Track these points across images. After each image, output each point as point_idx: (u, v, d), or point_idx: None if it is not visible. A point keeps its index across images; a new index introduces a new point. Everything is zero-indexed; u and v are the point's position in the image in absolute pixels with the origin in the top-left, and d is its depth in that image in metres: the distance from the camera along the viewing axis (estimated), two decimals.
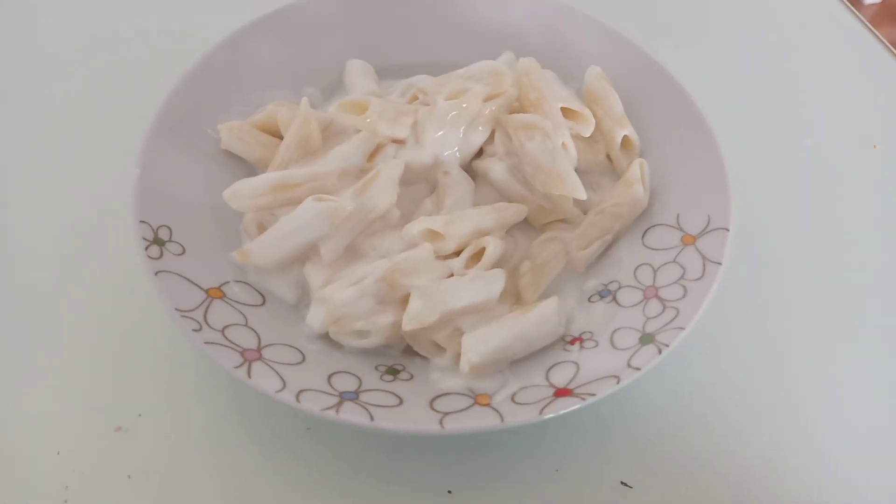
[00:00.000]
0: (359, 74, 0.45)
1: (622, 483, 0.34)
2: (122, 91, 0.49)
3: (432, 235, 0.36)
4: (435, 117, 0.39)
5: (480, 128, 0.41)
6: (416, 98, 0.42)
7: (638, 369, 0.31)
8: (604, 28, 0.46)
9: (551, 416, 0.30)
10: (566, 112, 0.42)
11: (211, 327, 0.32)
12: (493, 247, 0.36)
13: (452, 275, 0.35)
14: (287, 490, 0.34)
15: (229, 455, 0.35)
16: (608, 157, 0.42)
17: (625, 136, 0.41)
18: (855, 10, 0.63)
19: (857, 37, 0.60)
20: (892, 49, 0.59)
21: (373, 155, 0.39)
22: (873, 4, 2.82)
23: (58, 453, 0.34)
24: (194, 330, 0.32)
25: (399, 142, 0.40)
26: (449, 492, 0.34)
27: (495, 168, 0.40)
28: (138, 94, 0.42)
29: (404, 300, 0.34)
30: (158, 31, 0.53)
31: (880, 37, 0.60)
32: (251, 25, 0.43)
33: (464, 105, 0.39)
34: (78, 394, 0.36)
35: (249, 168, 0.41)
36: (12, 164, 0.45)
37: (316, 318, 0.35)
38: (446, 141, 0.39)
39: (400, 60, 0.47)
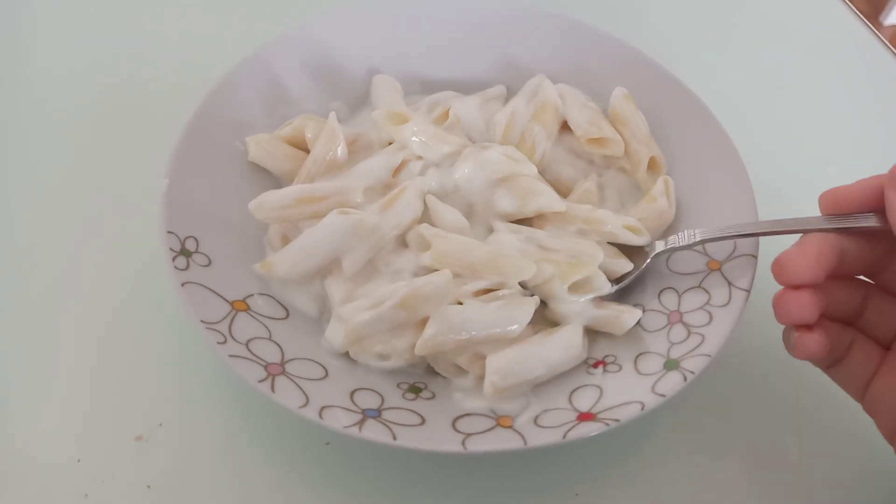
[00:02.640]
0: (385, 90, 0.45)
1: None
2: (152, 103, 0.49)
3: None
4: (481, 163, 0.39)
5: (508, 198, 0.39)
6: (446, 117, 0.42)
7: (663, 396, 0.31)
8: (629, 49, 0.46)
9: (575, 439, 0.30)
10: (595, 140, 0.42)
11: (235, 340, 0.32)
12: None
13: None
14: None
15: (249, 468, 0.35)
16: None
17: (651, 158, 0.41)
18: (880, 35, 0.63)
19: (883, 63, 0.60)
20: None
21: (397, 170, 0.39)
22: (892, 26, 2.80)
23: (78, 461, 0.34)
24: (219, 342, 0.32)
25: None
26: None
27: (508, 240, 0.38)
28: (168, 105, 0.42)
29: (424, 323, 0.34)
30: (188, 45, 0.53)
31: None
32: (280, 39, 0.44)
33: (507, 164, 0.39)
34: (99, 402, 0.36)
35: (275, 181, 0.41)
36: (40, 174, 0.46)
37: (336, 335, 0.35)
38: (475, 184, 0.39)
39: (426, 76, 0.47)
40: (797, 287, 0.30)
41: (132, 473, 0.34)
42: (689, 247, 0.37)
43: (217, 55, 0.44)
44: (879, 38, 0.63)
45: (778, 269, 0.30)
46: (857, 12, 0.65)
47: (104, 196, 0.44)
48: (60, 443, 0.35)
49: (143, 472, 0.34)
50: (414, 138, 0.38)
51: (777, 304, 0.31)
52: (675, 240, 0.37)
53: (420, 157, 0.40)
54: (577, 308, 0.35)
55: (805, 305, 0.30)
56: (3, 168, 0.46)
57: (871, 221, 0.31)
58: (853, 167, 0.51)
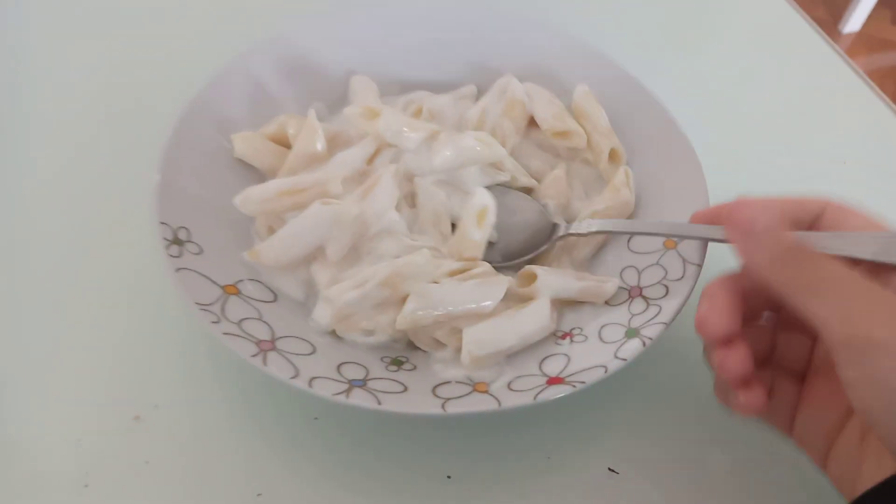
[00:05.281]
0: (362, 89, 0.48)
1: (609, 469, 0.37)
2: (142, 103, 0.51)
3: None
4: (459, 147, 0.41)
5: (476, 176, 0.43)
6: (420, 113, 0.45)
7: (624, 360, 0.34)
8: (591, 50, 0.49)
9: (545, 400, 0.32)
10: (560, 134, 0.45)
11: (228, 320, 0.35)
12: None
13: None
14: (294, 476, 0.36)
15: (240, 443, 0.37)
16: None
17: (612, 149, 0.45)
18: (829, 39, 0.67)
19: (831, 63, 0.64)
20: (859, 71, 0.63)
21: (371, 159, 0.42)
22: (851, 34, 2.88)
23: (78, 441, 0.36)
24: (213, 322, 0.34)
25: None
26: (448, 477, 0.36)
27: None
28: (158, 106, 0.44)
29: (405, 300, 0.37)
30: (176, 48, 0.56)
31: (851, 63, 0.64)
32: (263, 42, 0.46)
33: (482, 149, 0.42)
34: (99, 386, 0.38)
35: (261, 176, 0.44)
36: (45, 173, 0.48)
37: (323, 315, 0.37)
38: (454, 168, 0.42)
39: (401, 78, 0.50)
40: (726, 342, 0.30)
41: (131, 451, 0.36)
42: (585, 234, 0.41)
43: (205, 59, 0.46)
44: (831, 45, 0.66)
45: (702, 328, 0.31)
46: (813, 22, 0.68)
47: (101, 191, 0.47)
48: (62, 425, 0.37)
49: (141, 449, 0.36)
50: (388, 129, 0.41)
51: (721, 366, 0.30)
52: (576, 227, 0.41)
53: (393, 145, 0.42)
54: (560, 282, 0.38)
55: (744, 360, 0.30)
56: (10, 167, 0.48)
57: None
58: (803, 156, 0.55)
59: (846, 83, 0.62)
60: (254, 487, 0.35)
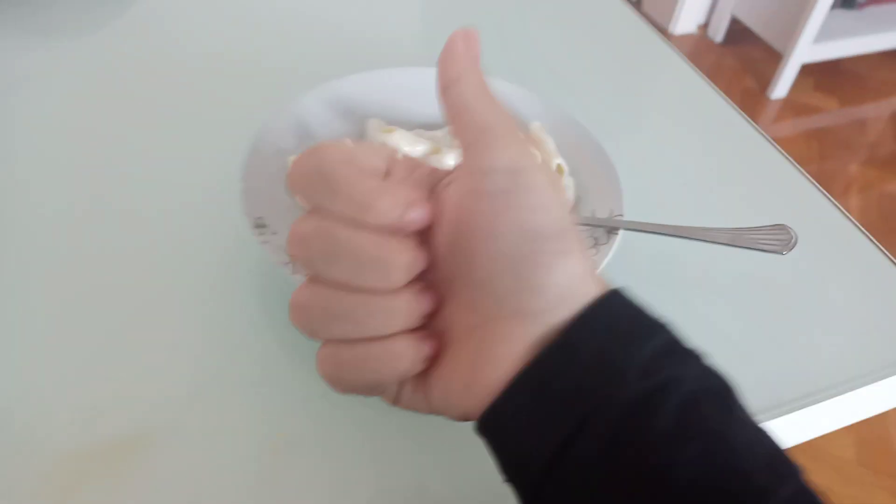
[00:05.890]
0: (376, 129, 0.66)
1: None
2: (221, 135, 0.69)
3: None
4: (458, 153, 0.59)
5: None
6: None
7: None
8: (542, 99, 0.68)
9: None
10: None
11: (301, 273, 0.51)
12: None
13: None
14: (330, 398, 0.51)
15: (303, 362, 0.52)
16: None
17: (558, 164, 0.63)
18: (740, 111, 0.86)
19: (744, 130, 0.84)
20: (771, 139, 0.83)
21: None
22: (778, 100, 3.19)
23: (188, 367, 0.51)
24: (293, 273, 0.50)
25: None
26: None
27: None
28: (234, 137, 0.61)
29: None
30: (246, 94, 0.74)
31: (764, 133, 0.84)
32: (309, 94, 0.64)
33: None
34: (199, 332, 0.54)
35: None
36: (166, 178, 0.64)
37: None
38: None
39: (404, 119, 0.68)
40: None
41: (227, 372, 0.51)
42: None
43: (264, 106, 0.64)
44: (744, 117, 0.86)
45: None
46: (734, 105, 0.87)
47: (204, 193, 0.63)
48: (177, 355, 0.52)
49: (234, 370, 0.51)
50: (401, 140, 0.59)
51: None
52: None
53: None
54: None
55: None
56: (133, 170, 0.64)
57: None
58: (697, 183, 0.74)
59: (757, 147, 0.79)
60: (320, 390, 0.51)
